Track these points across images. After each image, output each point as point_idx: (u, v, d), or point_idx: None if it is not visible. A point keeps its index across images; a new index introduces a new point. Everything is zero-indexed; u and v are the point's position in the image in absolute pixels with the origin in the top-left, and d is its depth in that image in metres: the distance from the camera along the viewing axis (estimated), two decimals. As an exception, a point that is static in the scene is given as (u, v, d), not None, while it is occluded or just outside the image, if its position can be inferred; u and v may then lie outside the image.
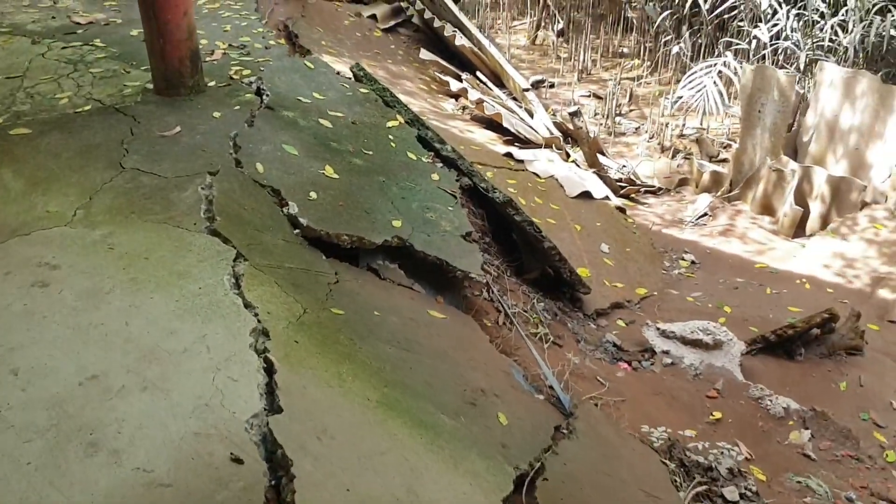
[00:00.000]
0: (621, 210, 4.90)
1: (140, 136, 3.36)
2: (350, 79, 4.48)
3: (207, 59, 4.02)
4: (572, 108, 5.39)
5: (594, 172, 5.17)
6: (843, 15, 5.73)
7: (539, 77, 7.26)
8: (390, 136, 3.89)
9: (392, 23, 6.88)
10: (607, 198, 4.90)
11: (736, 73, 5.66)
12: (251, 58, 4.20)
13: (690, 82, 5.73)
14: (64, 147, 3.29)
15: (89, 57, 4.21)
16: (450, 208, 3.43)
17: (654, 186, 5.47)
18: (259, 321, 2.37)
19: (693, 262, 4.60)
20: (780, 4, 5.97)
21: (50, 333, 2.26)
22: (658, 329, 3.56)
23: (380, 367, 2.42)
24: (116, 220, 2.79)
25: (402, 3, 7.07)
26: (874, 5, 5.62)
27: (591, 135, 5.54)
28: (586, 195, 4.79)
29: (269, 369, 2.16)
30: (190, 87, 3.70)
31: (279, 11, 5.54)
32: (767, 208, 5.00)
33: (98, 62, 4.14)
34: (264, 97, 3.76)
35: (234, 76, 3.94)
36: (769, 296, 4.19)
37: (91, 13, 4.91)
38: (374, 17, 6.76)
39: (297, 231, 2.99)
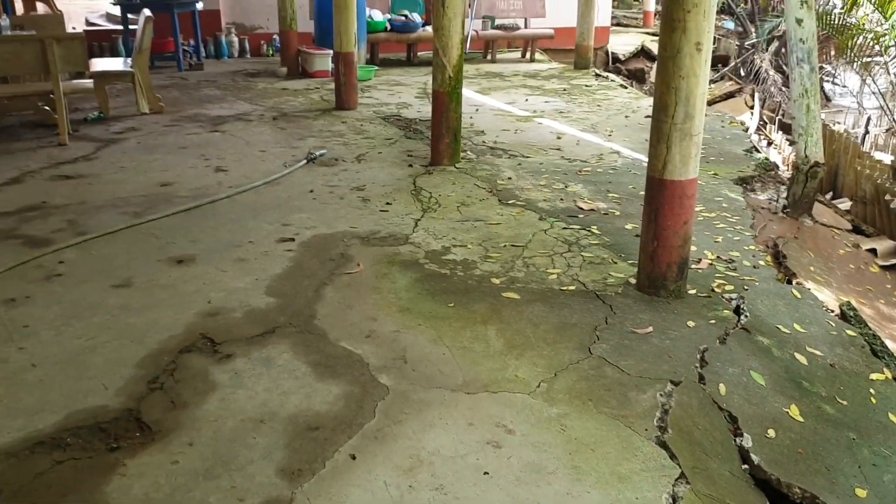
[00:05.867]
0: None
1: (613, 326, 3.51)
2: (836, 315, 4.16)
3: (693, 266, 4.09)
4: None
5: None
6: None
7: None
8: (872, 390, 3.47)
9: (894, 261, 6.30)
10: None
11: None
12: (737, 274, 4.16)
13: None
14: (543, 319, 3.58)
15: (584, 241, 4.58)
16: (934, 496, 2.89)
17: None
18: (687, 556, 2.22)
19: None
20: None
21: (491, 496, 2.39)
22: None
23: None
24: (574, 402, 2.90)
25: (909, 242, 6.46)
26: None
27: None
28: None
29: None
30: (670, 291, 3.79)
31: (771, 229, 5.45)
32: None
33: (590, 247, 4.48)
34: (742, 317, 3.67)
35: (716, 289, 3.93)
36: None
37: (594, 201, 5.38)
38: (873, 251, 6.27)
39: (745, 466, 2.78)
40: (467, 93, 8.94)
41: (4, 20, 7.75)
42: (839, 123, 10.58)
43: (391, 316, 3.58)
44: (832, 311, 4.19)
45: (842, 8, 11.63)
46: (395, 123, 7.78)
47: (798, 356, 3.49)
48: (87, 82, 7.57)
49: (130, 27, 10.35)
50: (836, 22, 10.65)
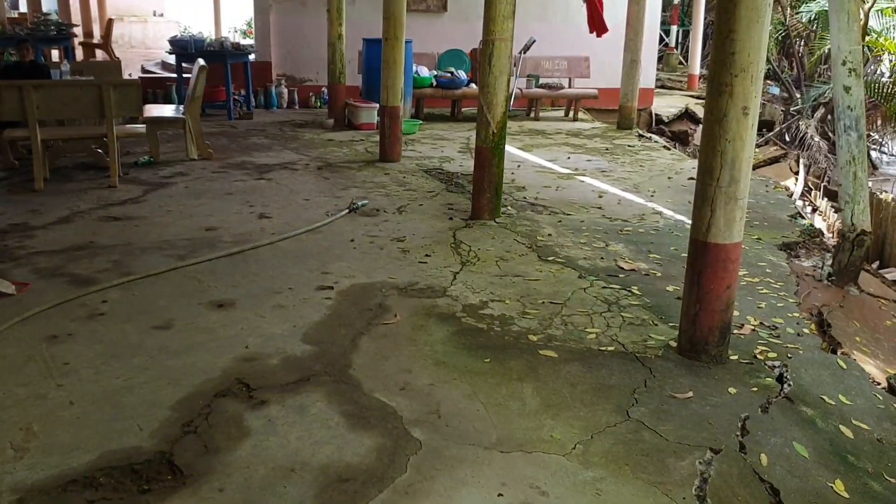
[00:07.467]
0: None
1: (652, 390, 3.45)
2: (883, 387, 4.03)
3: (735, 331, 4.01)
4: None
5: None
6: None
7: None
8: (922, 469, 3.33)
9: (943, 334, 6.12)
10: None
11: None
12: (780, 341, 4.07)
13: None
14: (581, 379, 3.53)
15: (624, 301, 4.53)
16: None
17: None
18: None
19: None
20: None
21: (523, 559, 2.32)
22: None
23: None
24: (610, 467, 2.84)
25: (961, 316, 6.27)
26: None
27: None
28: None
29: None
30: (712, 356, 3.71)
31: (815, 297, 5.33)
32: None
33: (630, 308, 4.43)
34: (785, 386, 3.58)
35: (759, 356, 3.85)
36: None
37: (636, 261, 5.33)
38: (922, 323, 6.10)
39: (787, 543, 2.68)
40: (510, 149, 9.00)
41: (65, 66, 8.05)
42: (886, 192, 10.41)
43: (426, 369, 3.55)
44: (879, 384, 4.07)
45: (890, 76, 11.57)
46: (437, 177, 7.85)
47: (843, 429, 3.38)
48: (140, 127, 7.79)
49: (184, 76, 10.67)
50: (884, 90, 10.58)
